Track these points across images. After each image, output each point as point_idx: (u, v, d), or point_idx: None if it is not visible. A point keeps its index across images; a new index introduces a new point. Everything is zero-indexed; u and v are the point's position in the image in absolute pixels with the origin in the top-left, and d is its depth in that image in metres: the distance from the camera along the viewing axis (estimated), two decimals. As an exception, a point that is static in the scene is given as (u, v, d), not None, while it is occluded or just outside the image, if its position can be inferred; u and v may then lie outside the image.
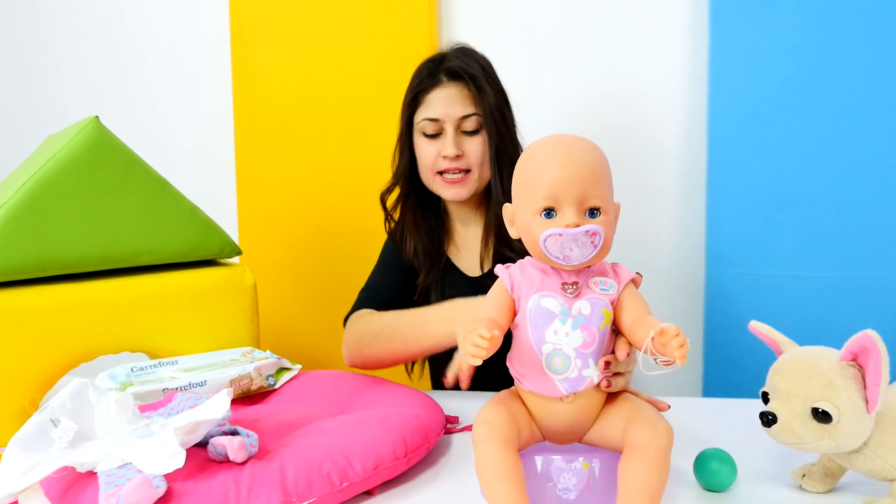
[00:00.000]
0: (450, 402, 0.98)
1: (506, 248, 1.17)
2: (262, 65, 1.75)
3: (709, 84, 1.48)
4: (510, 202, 0.72)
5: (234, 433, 0.72)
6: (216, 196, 1.80)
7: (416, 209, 1.24)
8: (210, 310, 1.05)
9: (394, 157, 1.24)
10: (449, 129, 1.14)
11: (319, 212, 1.75)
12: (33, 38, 1.96)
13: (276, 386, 0.98)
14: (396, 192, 1.26)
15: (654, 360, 0.61)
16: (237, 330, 1.08)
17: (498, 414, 0.66)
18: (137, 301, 0.99)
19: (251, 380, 0.94)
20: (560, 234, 0.64)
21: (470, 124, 1.14)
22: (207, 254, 1.07)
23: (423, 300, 1.21)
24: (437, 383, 1.35)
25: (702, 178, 1.54)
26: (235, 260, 1.21)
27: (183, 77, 1.88)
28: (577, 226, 0.64)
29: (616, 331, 0.69)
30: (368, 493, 0.72)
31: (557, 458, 0.66)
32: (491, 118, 1.13)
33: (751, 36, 1.44)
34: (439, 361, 1.25)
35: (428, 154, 1.16)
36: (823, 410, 0.61)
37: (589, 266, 0.69)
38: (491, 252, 1.20)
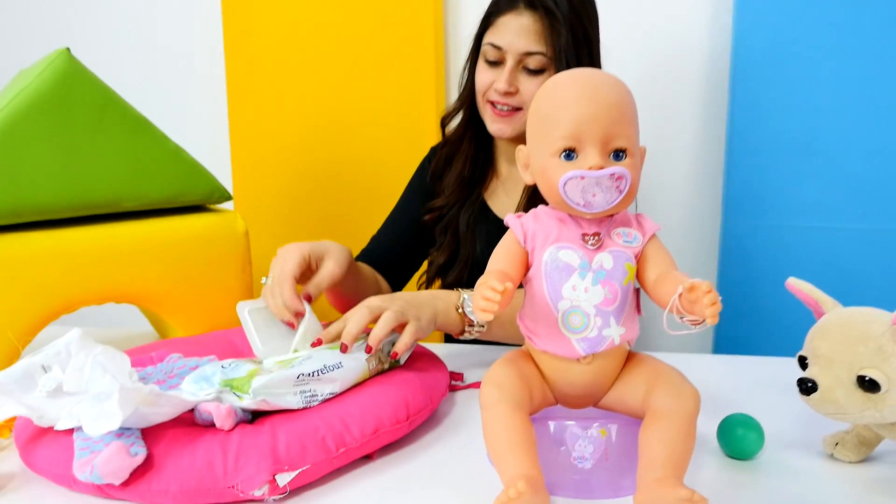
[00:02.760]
0: (455, 359, 0.93)
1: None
2: (254, -3, 1.64)
3: (733, 19, 1.38)
4: None
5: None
6: (207, 139, 1.72)
7: (473, 137, 1.17)
8: (199, 259, 0.98)
9: (461, 77, 1.17)
10: (509, 62, 1.04)
11: (315, 153, 1.68)
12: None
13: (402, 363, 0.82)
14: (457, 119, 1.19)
15: (680, 318, 0.55)
16: (228, 280, 1.02)
17: (508, 375, 0.61)
18: (120, 250, 0.92)
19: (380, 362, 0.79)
20: (582, 178, 0.57)
21: (533, 62, 1.04)
22: (195, 199, 1.00)
23: (453, 234, 1.16)
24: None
25: (722, 122, 1.45)
26: (229, 206, 1.14)
27: (168, 7, 1.77)
28: (601, 168, 0.57)
29: (637, 287, 0.63)
30: (368, 458, 0.67)
31: (572, 424, 0.61)
32: (560, 61, 1.02)
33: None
34: None
35: (483, 79, 1.08)
36: (871, 379, 0.55)
37: (612, 215, 0.62)
38: (531, 202, 1.12)
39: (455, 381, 0.86)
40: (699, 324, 0.54)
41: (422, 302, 0.84)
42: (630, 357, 0.64)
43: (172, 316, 0.99)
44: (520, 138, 1.12)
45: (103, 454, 0.56)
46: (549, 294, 0.60)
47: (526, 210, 1.15)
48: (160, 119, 1.05)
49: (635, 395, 0.61)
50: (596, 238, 0.60)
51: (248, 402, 0.65)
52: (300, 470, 0.59)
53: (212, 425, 0.64)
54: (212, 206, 1.07)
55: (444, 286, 1.22)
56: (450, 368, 0.86)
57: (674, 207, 1.53)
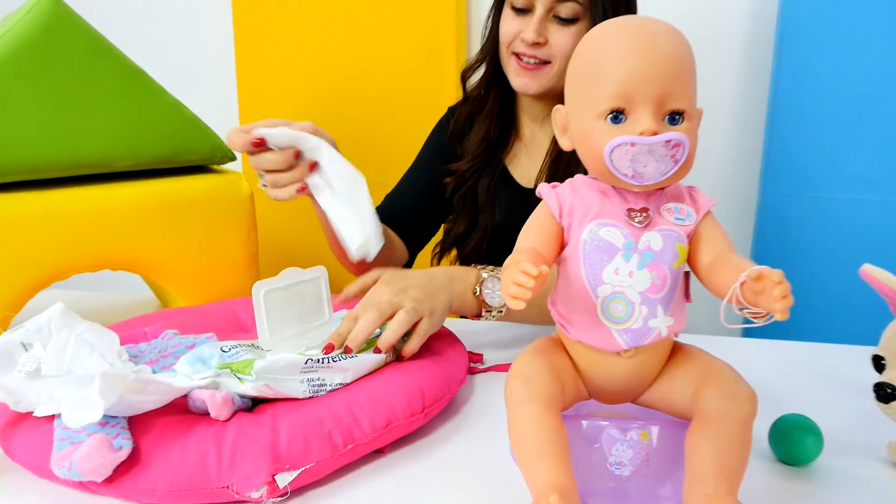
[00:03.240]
0: (473, 336, 0.86)
1: (579, 167, 1.00)
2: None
3: (782, -28, 1.27)
4: None
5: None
6: (214, 96, 1.64)
7: (497, 94, 1.08)
8: (200, 223, 0.92)
9: (484, 27, 1.07)
10: (539, 10, 0.95)
11: (328, 110, 1.59)
12: None
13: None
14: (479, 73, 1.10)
15: (740, 309, 0.47)
16: (232, 246, 0.95)
17: (538, 368, 0.53)
18: (114, 213, 0.85)
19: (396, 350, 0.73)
20: (632, 145, 0.49)
21: (565, 10, 0.94)
22: (195, 158, 0.93)
23: (472, 202, 1.08)
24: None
25: (764, 84, 1.34)
26: (234, 167, 1.06)
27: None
28: (655, 133, 0.49)
29: (687, 271, 0.55)
30: (378, 452, 0.60)
31: (608, 425, 0.54)
32: (595, 10, 0.93)
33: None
34: (471, 263, 1.12)
35: (508, 29, 0.99)
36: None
37: (663, 188, 0.54)
38: (555, 166, 1.03)
39: (474, 364, 0.79)
40: (762, 317, 0.47)
41: (437, 288, 0.76)
42: (676, 349, 0.57)
43: (172, 284, 0.93)
44: (547, 96, 1.03)
45: (83, 449, 0.50)
46: (587, 278, 0.52)
47: (549, 177, 1.08)
48: (163, 74, 0.97)
49: (682, 394, 0.54)
50: (644, 214, 0.52)
51: (249, 387, 0.59)
52: (302, 469, 0.53)
53: (206, 414, 0.57)
54: (214, 167, 0.99)
55: (462, 256, 1.14)
56: (467, 348, 0.79)
57: (707, 174, 1.44)
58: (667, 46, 0.51)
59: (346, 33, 1.54)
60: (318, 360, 0.62)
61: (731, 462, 0.49)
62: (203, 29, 1.69)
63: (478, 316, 0.81)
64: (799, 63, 1.28)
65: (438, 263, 1.16)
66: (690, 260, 0.54)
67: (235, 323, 0.86)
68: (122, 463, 0.51)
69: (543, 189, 0.56)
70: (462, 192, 1.09)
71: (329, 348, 0.65)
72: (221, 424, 0.56)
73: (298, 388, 0.61)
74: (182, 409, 0.58)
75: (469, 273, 0.80)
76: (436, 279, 0.77)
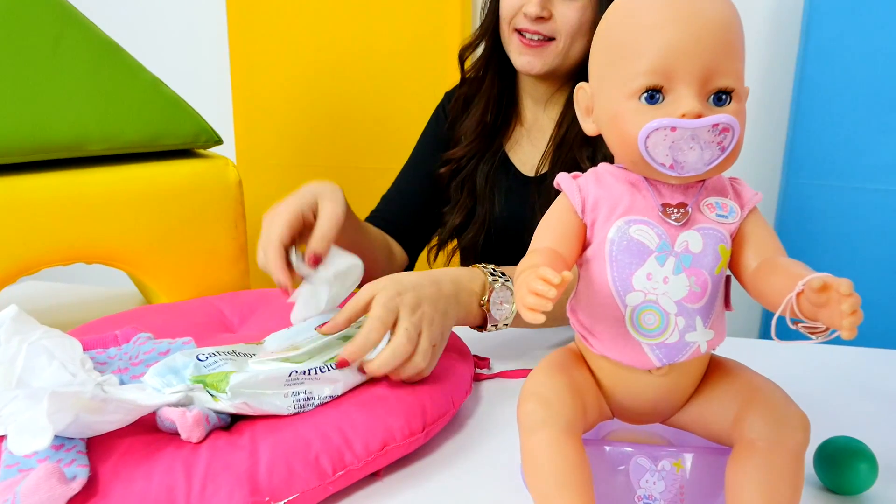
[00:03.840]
0: (477, 338, 0.78)
1: (584, 152, 0.93)
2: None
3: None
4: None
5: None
6: (206, 77, 1.56)
7: (496, 75, 0.99)
8: (182, 213, 0.84)
9: (484, 2, 0.99)
10: None
11: (325, 93, 1.51)
12: None
13: None
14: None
15: (794, 323, 0.40)
16: (217, 238, 0.88)
17: (556, 387, 0.46)
18: (87, 201, 0.78)
19: None
20: (672, 129, 0.41)
21: None
22: (176, 142, 0.85)
23: (469, 191, 1.00)
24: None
25: (790, 67, 1.26)
26: (221, 152, 0.99)
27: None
28: (699, 116, 0.41)
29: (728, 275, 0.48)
30: (374, 475, 0.54)
31: (636, 453, 0.47)
32: None
33: None
34: (469, 257, 1.04)
35: (509, 2, 0.91)
36: None
37: (703, 180, 0.46)
38: (558, 152, 0.95)
39: (480, 370, 0.72)
40: (821, 333, 0.40)
41: (446, 300, 0.64)
42: (714, 363, 0.50)
43: (153, 279, 0.86)
44: (551, 76, 0.95)
45: (29, 480, 0.43)
46: (614, 284, 0.45)
47: (552, 164, 1.00)
48: (152, 54, 0.90)
49: (721, 417, 0.47)
50: (681, 211, 0.45)
51: (225, 405, 0.52)
52: (285, 501, 0.46)
53: (177, 433, 0.50)
54: (199, 151, 0.92)
55: (460, 249, 1.07)
56: (472, 351, 0.72)
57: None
58: (713, 12, 0.43)
59: (344, 12, 1.45)
60: (306, 370, 0.55)
61: (781, 499, 0.42)
62: (194, 3, 1.60)
63: (481, 328, 0.71)
64: (826, 46, 1.20)
65: (436, 257, 1.09)
66: (734, 263, 0.47)
67: (220, 322, 0.79)
68: (77, 496, 0.44)
69: (563, 180, 0.49)
70: (459, 180, 1.01)
71: (343, 364, 0.56)
72: (193, 448, 0.49)
73: (282, 405, 0.54)
74: (150, 428, 0.51)
75: (475, 279, 0.70)
76: (442, 288, 0.66)
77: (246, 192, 0.92)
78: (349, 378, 0.56)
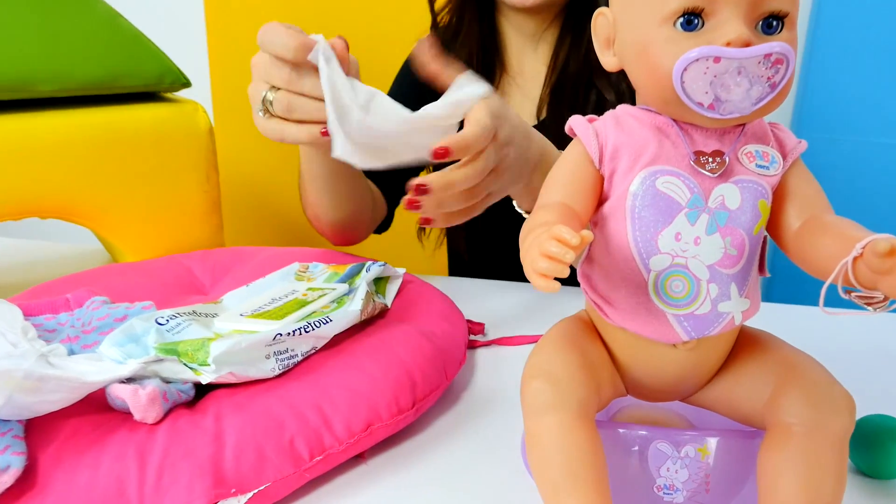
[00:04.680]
0: (470, 299, 0.72)
1: (590, 94, 0.83)
2: None
3: None
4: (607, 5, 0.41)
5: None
6: (178, 17, 1.45)
7: (473, 15, 0.89)
8: (147, 162, 0.77)
9: None
10: None
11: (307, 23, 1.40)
12: None
13: (389, 305, 0.62)
14: None
15: (846, 292, 0.34)
16: (187, 190, 0.80)
17: (567, 364, 0.40)
18: (38, 148, 0.70)
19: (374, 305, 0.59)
20: (716, 60, 0.34)
21: None
22: (137, 83, 0.77)
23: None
24: (455, 255, 1.07)
25: (803, 16, 1.18)
26: (194, 96, 0.90)
27: None
28: (748, 44, 0.34)
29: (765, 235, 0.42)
30: (358, 457, 0.48)
31: (657, 438, 0.41)
32: None
33: None
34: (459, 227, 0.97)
35: None
36: None
37: (743, 124, 0.39)
38: (557, 96, 0.86)
39: (474, 336, 0.66)
40: (879, 303, 0.34)
41: (526, 162, 0.62)
42: (744, 336, 0.44)
43: (116, 236, 0.78)
44: (544, 8, 0.85)
45: (-51, 472, 0.37)
46: (636, 245, 0.39)
47: (551, 111, 0.91)
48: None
49: (752, 397, 0.41)
50: (718, 160, 0.38)
51: (209, 377, 0.46)
52: (254, 492, 0.40)
53: (131, 414, 0.44)
54: (166, 95, 0.83)
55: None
56: (465, 314, 0.66)
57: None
58: (763, -80, 0.36)
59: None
60: (291, 332, 0.49)
61: (824, 492, 0.37)
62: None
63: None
64: (841, -8, 1.12)
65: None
66: (773, 222, 0.40)
67: (190, 283, 0.72)
68: (9, 489, 0.38)
69: (577, 123, 0.42)
70: None
71: (443, 153, 0.53)
72: (149, 430, 0.42)
73: (266, 367, 0.48)
74: (102, 406, 0.45)
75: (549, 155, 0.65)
76: (531, 148, 0.62)
77: (223, 140, 0.84)
78: (332, 332, 0.51)
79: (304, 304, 0.56)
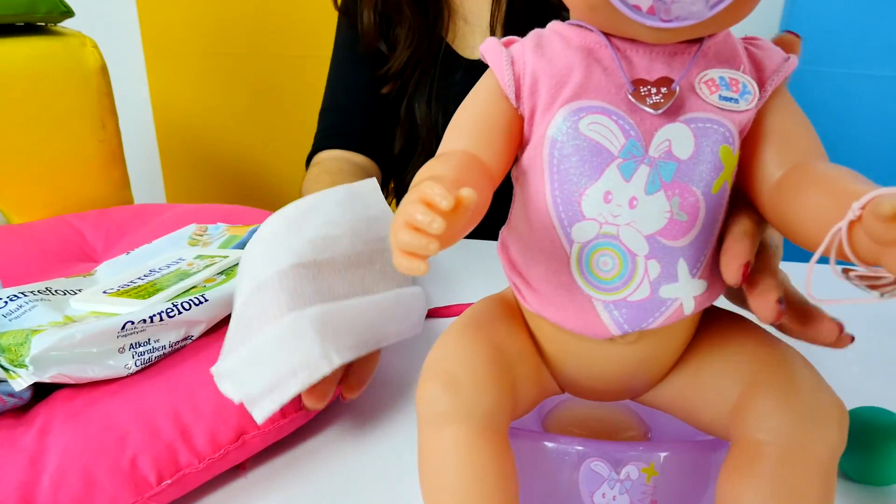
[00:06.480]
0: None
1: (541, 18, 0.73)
2: None
3: None
4: None
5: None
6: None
7: None
8: (27, 106, 0.66)
9: None
10: None
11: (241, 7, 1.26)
12: None
13: None
14: None
15: (843, 271, 0.25)
16: (79, 139, 0.70)
17: (471, 360, 0.31)
18: None
19: None
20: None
21: None
22: (6, 12, 0.65)
23: (407, 106, 0.81)
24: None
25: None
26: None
27: None
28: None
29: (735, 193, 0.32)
30: (238, 468, 0.39)
31: (590, 454, 0.32)
32: None
33: None
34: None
35: None
36: None
37: (701, 39, 0.29)
38: (510, 27, 0.75)
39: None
40: (887, 286, 0.24)
41: None
42: (709, 320, 0.34)
43: (-5, 194, 0.68)
44: None
45: None
46: (555, 208, 0.29)
47: (519, 23, 0.79)
48: None
49: (717, 403, 0.32)
50: (664, 90, 0.28)
51: (27, 381, 0.36)
52: (74, 533, 0.32)
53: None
54: (46, 26, 0.71)
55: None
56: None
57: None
58: None
59: None
60: (147, 318, 0.39)
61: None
62: None
63: None
64: None
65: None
66: (746, 172, 0.30)
67: (79, 248, 0.62)
68: None
69: (488, 48, 0.31)
70: (408, 96, 0.81)
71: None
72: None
73: (119, 364, 0.38)
74: None
75: None
76: None
77: (154, 85, 0.72)
78: (215, 314, 0.41)
79: (185, 275, 0.46)
